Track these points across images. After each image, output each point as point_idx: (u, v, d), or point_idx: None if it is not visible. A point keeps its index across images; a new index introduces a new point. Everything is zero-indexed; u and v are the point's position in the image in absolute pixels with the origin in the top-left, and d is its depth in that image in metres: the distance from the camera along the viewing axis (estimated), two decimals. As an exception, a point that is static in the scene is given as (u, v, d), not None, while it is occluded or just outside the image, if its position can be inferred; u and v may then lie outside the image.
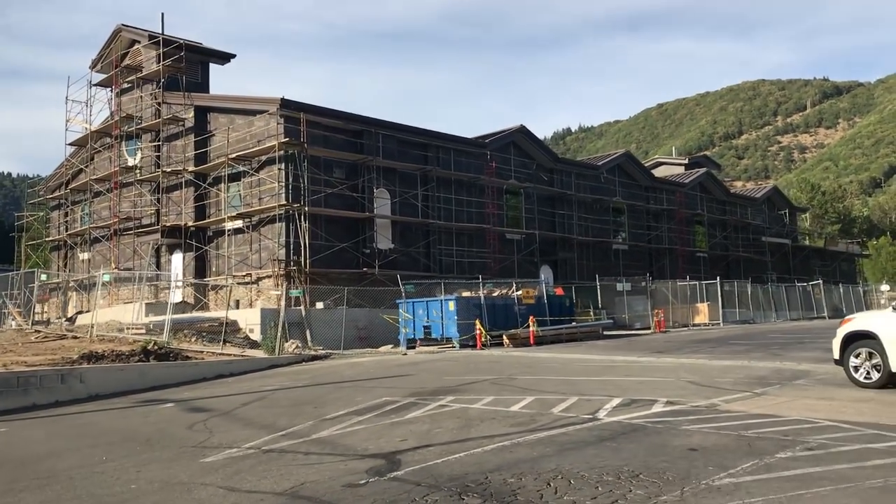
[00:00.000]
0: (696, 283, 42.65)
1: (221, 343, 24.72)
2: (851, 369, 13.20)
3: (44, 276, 38.13)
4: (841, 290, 56.16)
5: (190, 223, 36.50)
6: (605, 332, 32.73)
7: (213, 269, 36.59)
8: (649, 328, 36.64)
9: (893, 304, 12.95)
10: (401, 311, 28.89)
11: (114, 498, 7.64)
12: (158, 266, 38.39)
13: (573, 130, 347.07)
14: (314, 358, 24.74)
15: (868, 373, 12.94)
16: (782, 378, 14.78)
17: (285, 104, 33.05)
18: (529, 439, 9.31)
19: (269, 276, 33.09)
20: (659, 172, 63.33)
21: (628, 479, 7.18)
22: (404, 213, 37.28)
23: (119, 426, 12.94)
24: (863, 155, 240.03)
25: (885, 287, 68.37)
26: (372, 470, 8.05)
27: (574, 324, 31.39)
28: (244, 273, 34.51)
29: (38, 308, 43.16)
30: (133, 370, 18.51)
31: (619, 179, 51.67)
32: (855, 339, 13.27)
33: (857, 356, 13.13)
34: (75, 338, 27.30)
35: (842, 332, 13.56)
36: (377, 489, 7.22)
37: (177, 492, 7.74)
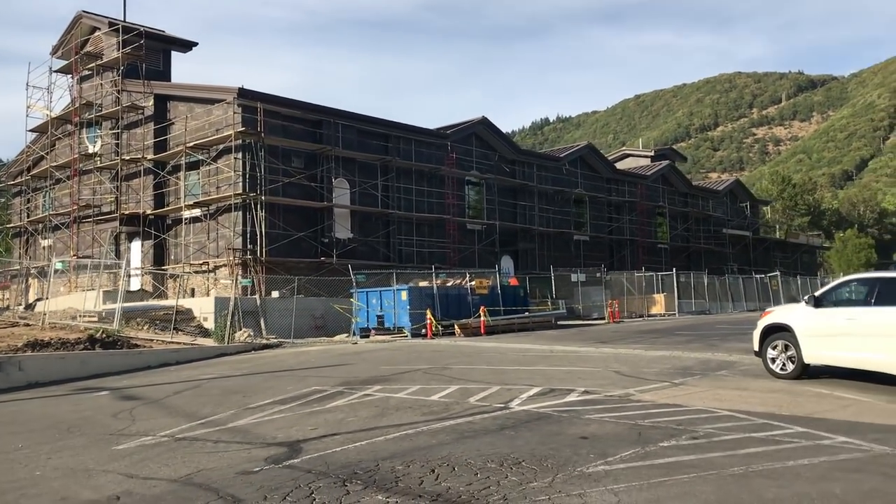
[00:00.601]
0: (653, 274, 43.17)
1: (172, 331, 24.82)
2: (769, 361, 13.61)
3: (-4, 263, 37.88)
4: (799, 282, 57.04)
5: (149, 211, 36.41)
6: (558, 322, 33.07)
7: (172, 258, 36.57)
8: (605, 318, 37.09)
9: (805, 297, 13.32)
10: (353, 300, 29.13)
11: (14, 484, 7.82)
12: (118, 254, 38.23)
13: (551, 121, 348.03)
14: (265, 347, 24.90)
15: (784, 364, 13.34)
16: (707, 368, 15.16)
17: (243, 93, 33.01)
18: (434, 428, 9.59)
19: (225, 265, 33.14)
20: (626, 164, 63.95)
21: (510, 465, 7.46)
22: (364, 203, 37.40)
23: (48, 414, 13.08)
24: (835, 148, 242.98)
25: (849, 278, 69.19)
26: (271, 458, 8.29)
27: (527, 314, 31.74)
28: (201, 261, 34.52)
29: (-1, 295, 43.02)
30: (74, 358, 18.61)
31: (581, 171, 52.08)
32: (772, 332, 13.66)
33: (773, 348, 13.53)
34: (27, 325, 27.26)
35: (761, 324, 13.96)
36: (268, 476, 7.46)
37: (78, 478, 7.95)
